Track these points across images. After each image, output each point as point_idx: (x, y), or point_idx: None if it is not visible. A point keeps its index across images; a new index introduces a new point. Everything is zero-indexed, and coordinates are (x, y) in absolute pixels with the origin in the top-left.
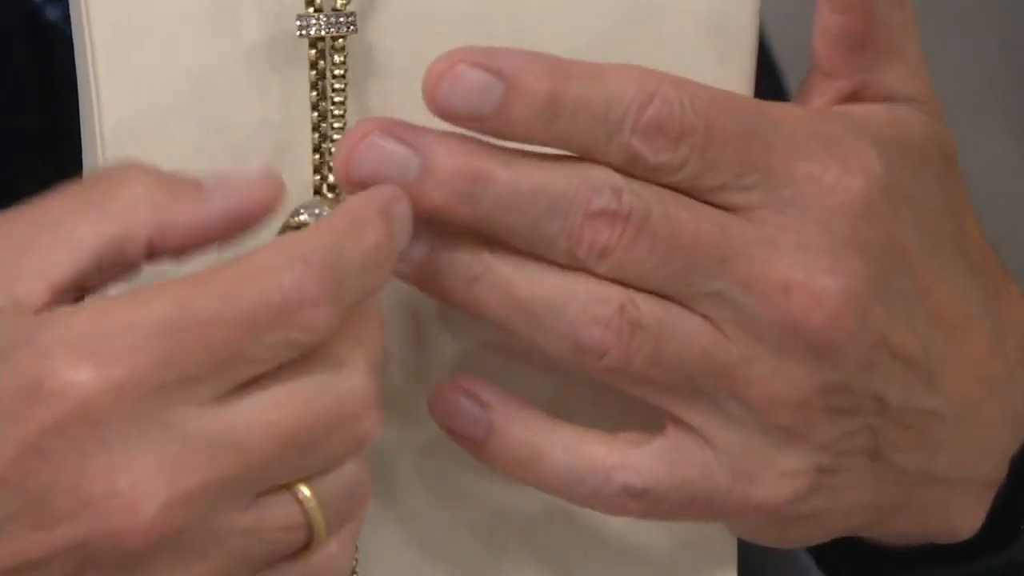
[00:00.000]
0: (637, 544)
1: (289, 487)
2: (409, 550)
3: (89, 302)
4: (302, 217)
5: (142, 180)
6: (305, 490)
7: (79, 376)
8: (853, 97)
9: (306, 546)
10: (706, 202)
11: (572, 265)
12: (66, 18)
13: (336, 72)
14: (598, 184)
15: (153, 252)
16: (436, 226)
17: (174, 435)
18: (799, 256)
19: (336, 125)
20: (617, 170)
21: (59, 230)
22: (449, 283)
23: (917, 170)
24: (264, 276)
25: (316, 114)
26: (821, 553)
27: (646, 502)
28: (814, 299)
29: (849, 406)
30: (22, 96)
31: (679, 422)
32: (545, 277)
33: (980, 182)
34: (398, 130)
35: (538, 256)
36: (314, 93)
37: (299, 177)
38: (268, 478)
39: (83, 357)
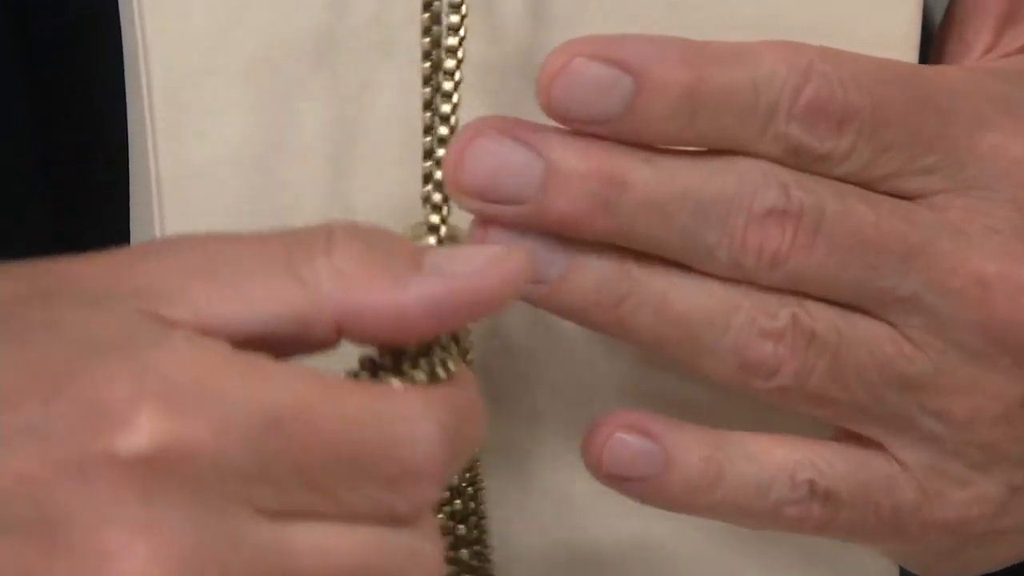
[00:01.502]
0: None
1: None
2: None
3: (209, 344)
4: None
5: (345, 249)
6: None
7: (158, 422)
8: (1009, 18)
9: None
10: (878, 192)
11: (736, 277)
12: None
13: (450, 42)
14: (760, 180)
15: (341, 334)
16: (570, 239)
17: (220, 526)
18: (992, 244)
19: (444, 109)
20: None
21: (243, 279)
22: (591, 304)
23: None
24: (398, 426)
25: (428, 90)
26: None
27: (829, 508)
28: (1016, 291)
29: None
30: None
31: (857, 435)
32: (703, 288)
33: None
34: (517, 129)
35: (692, 267)
36: (427, 64)
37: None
38: None
39: (176, 406)
